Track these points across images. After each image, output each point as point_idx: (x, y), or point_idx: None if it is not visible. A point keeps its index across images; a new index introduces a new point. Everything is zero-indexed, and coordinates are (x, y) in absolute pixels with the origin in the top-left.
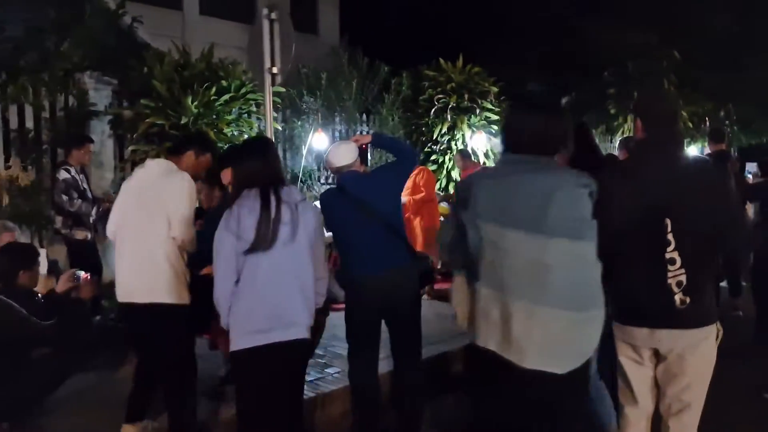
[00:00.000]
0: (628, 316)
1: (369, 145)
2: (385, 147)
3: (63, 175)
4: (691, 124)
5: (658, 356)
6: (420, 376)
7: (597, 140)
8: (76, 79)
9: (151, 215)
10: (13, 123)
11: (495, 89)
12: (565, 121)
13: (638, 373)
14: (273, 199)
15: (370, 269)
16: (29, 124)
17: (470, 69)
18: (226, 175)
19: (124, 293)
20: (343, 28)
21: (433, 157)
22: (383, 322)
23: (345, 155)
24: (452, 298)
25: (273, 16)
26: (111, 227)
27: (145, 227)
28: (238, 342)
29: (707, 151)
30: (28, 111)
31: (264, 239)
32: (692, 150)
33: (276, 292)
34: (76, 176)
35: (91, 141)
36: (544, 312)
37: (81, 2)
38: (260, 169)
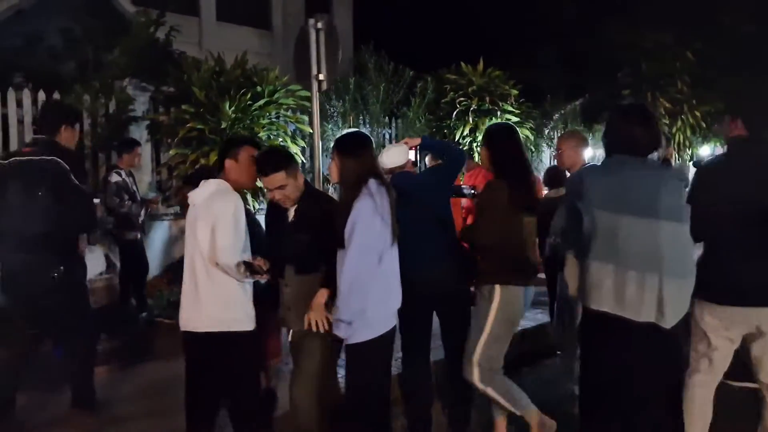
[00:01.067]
0: (729, 297)
1: (418, 147)
2: (434, 149)
3: (114, 178)
4: (704, 124)
5: (753, 333)
6: None
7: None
8: (117, 86)
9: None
10: None
11: (515, 92)
12: (656, 129)
13: (727, 350)
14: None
15: (420, 265)
16: None
17: (491, 72)
18: (275, 180)
19: None
20: (356, 31)
21: None
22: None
23: (397, 157)
24: (565, 272)
25: (319, 26)
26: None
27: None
28: (379, 327)
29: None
30: None
31: (396, 226)
32: (706, 149)
33: (396, 278)
34: (126, 179)
35: (140, 144)
36: (656, 279)
37: (115, 14)
38: (374, 161)
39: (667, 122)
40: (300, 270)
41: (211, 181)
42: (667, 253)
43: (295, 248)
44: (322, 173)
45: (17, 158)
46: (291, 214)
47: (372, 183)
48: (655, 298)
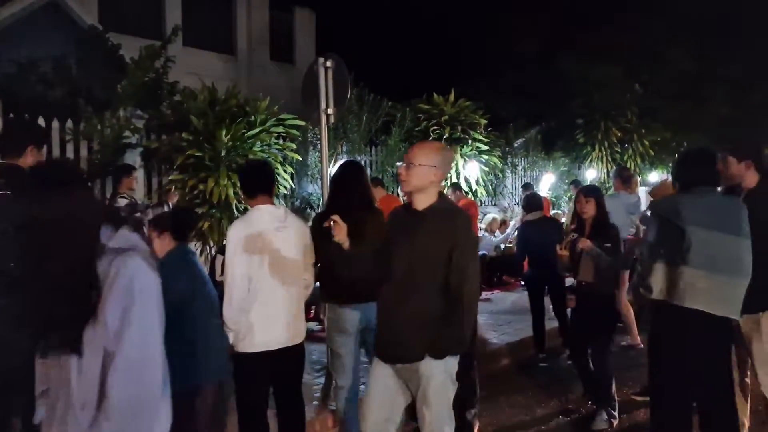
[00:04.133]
0: None
1: None
2: None
3: (123, 201)
4: (652, 152)
5: None
6: (473, 365)
7: (567, 168)
8: (111, 113)
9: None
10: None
11: (484, 121)
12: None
13: None
14: None
15: None
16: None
17: (461, 103)
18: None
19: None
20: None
21: None
22: None
23: None
24: (652, 277)
25: (328, 64)
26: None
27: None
28: None
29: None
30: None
31: None
32: (654, 176)
33: None
34: (130, 201)
35: (136, 169)
36: (738, 282)
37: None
38: None
39: (619, 150)
40: None
41: (281, 207)
42: (744, 262)
43: None
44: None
45: None
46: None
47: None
48: (734, 296)
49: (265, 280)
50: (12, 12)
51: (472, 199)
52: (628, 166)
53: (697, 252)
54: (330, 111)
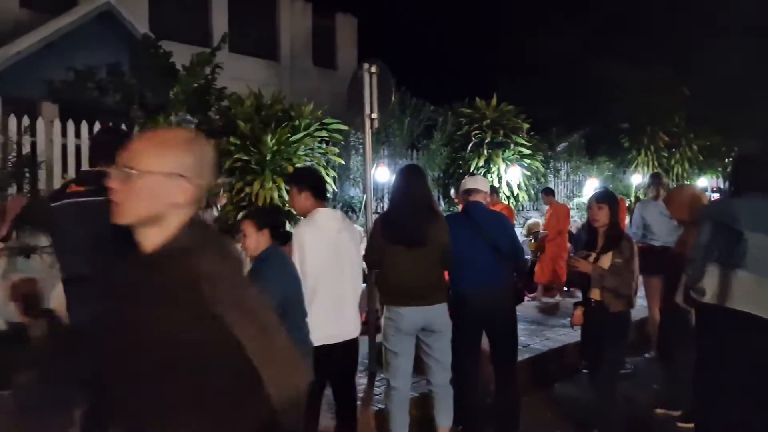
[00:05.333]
0: None
1: None
2: None
3: None
4: (701, 157)
5: None
6: (515, 379)
7: (611, 173)
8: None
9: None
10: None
11: (526, 125)
12: None
13: None
14: None
15: (473, 284)
16: None
17: (503, 107)
18: None
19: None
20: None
21: None
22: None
23: (479, 181)
24: (704, 280)
25: (372, 69)
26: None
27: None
28: None
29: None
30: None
31: None
32: (702, 181)
33: None
34: None
35: None
36: None
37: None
38: None
39: (666, 155)
40: None
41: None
42: None
43: None
44: (371, 201)
45: (72, 200)
46: None
47: None
48: None
49: (331, 277)
50: (70, 21)
51: (510, 204)
52: (676, 171)
53: (754, 256)
54: (374, 116)
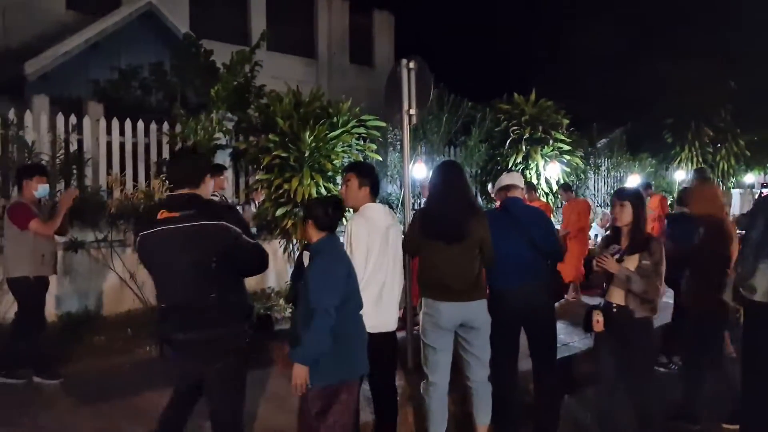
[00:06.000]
0: None
1: None
2: None
3: (214, 199)
4: (748, 153)
5: None
6: (554, 377)
7: (654, 169)
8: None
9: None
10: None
11: (566, 121)
12: None
13: None
14: None
15: (511, 281)
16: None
17: (542, 103)
18: None
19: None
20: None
21: None
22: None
23: (515, 177)
24: (756, 278)
25: (411, 65)
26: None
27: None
28: None
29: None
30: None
31: None
32: (750, 177)
33: None
34: (221, 200)
35: (226, 169)
36: None
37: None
38: None
39: (711, 151)
40: None
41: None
42: None
43: None
44: (409, 198)
45: (168, 227)
46: None
47: None
48: None
49: (378, 270)
50: (114, 21)
51: (548, 201)
52: (721, 167)
53: None
54: (412, 112)
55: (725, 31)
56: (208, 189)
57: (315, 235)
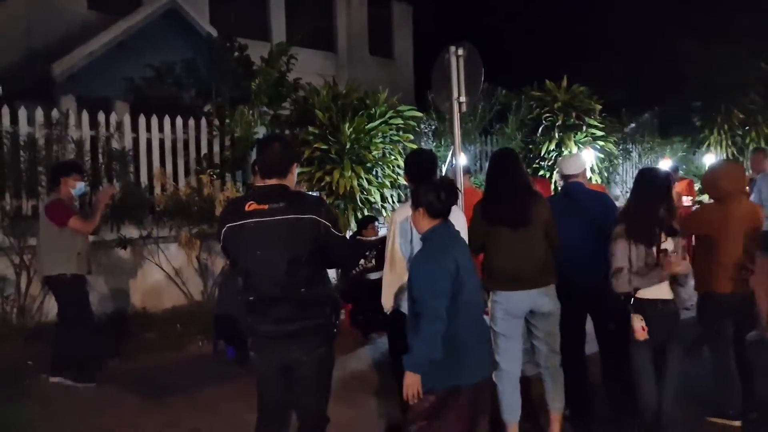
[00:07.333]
0: None
1: None
2: None
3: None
4: None
5: None
6: (624, 361)
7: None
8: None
9: None
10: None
11: (599, 106)
12: None
13: None
14: None
15: (576, 267)
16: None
17: (575, 89)
18: None
19: None
20: (417, 52)
21: (540, 173)
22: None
23: (574, 165)
24: None
25: (459, 52)
26: None
27: None
28: None
29: None
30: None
31: None
32: None
33: None
34: None
35: None
36: None
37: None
38: None
39: (740, 133)
40: None
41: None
42: None
43: None
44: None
45: (258, 220)
46: None
47: None
48: None
49: None
50: (137, 20)
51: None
52: (751, 149)
53: None
54: (462, 99)
55: (756, 11)
56: (293, 179)
57: (427, 224)
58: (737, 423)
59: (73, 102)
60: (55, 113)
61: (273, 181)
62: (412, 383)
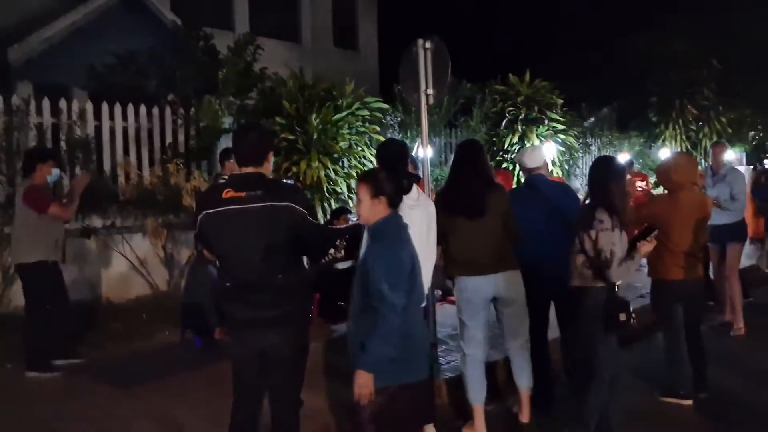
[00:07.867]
0: None
1: None
2: None
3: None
4: (730, 130)
5: None
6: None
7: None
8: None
9: None
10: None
11: (560, 101)
12: None
13: None
14: None
15: (539, 256)
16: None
17: (537, 83)
18: None
19: None
20: (382, 44)
21: (503, 166)
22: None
23: (537, 158)
24: None
25: (427, 45)
26: None
27: None
28: None
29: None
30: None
31: None
32: (730, 154)
33: None
34: None
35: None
36: None
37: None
38: None
39: (694, 128)
40: None
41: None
42: None
43: None
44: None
45: (236, 207)
46: None
47: None
48: None
49: None
50: (97, 5)
51: None
52: (704, 145)
53: None
54: (430, 91)
55: (711, 9)
56: (270, 167)
57: (382, 213)
58: (688, 402)
59: (31, 88)
60: (15, 99)
61: (249, 170)
62: (365, 383)
